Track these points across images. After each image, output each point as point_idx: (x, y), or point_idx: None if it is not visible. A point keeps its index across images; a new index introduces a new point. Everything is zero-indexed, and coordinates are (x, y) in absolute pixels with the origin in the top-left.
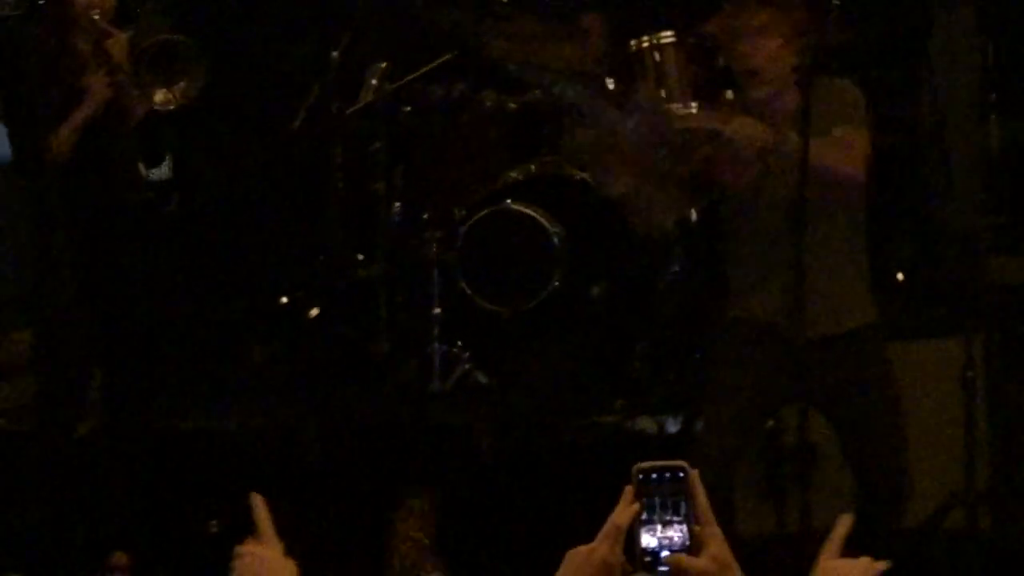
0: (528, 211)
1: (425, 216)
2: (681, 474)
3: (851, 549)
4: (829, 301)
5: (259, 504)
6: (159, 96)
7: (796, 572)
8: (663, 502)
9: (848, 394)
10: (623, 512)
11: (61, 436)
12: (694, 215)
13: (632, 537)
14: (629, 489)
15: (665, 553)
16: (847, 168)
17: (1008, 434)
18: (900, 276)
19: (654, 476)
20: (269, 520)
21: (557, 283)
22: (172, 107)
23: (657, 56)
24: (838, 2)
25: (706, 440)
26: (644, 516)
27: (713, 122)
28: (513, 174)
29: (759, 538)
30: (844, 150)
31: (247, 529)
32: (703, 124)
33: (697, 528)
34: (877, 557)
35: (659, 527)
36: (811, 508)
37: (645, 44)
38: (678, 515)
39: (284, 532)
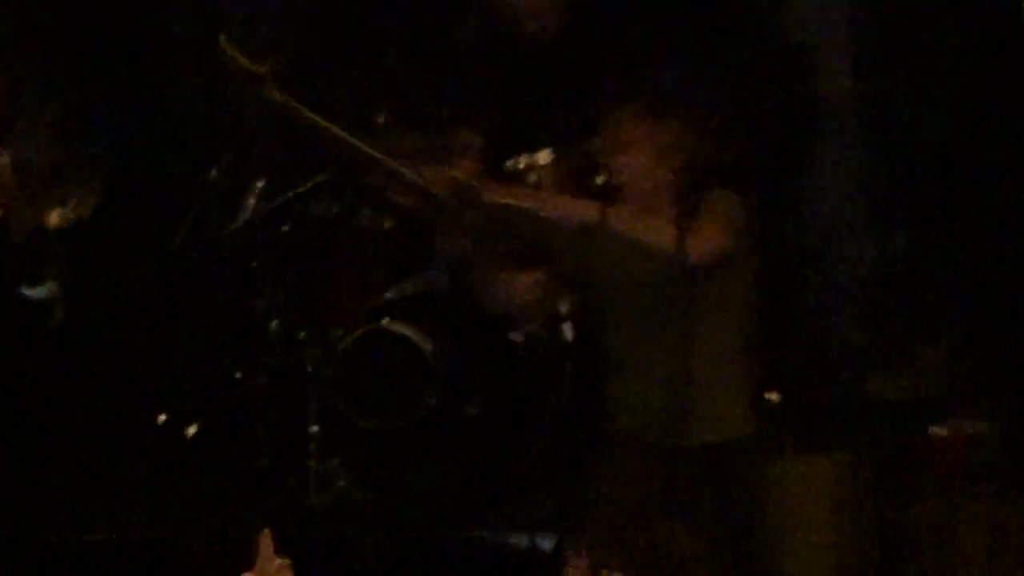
0: (403, 331)
1: (302, 334)
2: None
3: None
4: (708, 410)
5: (266, 538)
6: (54, 216)
7: None
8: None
9: (721, 511)
10: None
11: None
12: (570, 334)
13: None
14: None
15: None
16: (688, 249)
17: (884, 550)
18: (775, 396)
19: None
20: (269, 553)
21: (432, 401)
22: (66, 225)
23: (534, 177)
24: (718, 118)
25: (582, 557)
26: None
27: (530, 199)
28: (389, 294)
29: None
30: (688, 234)
31: None
32: (520, 202)
33: None
34: None
35: None
36: None
37: (522, 165)
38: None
39: None
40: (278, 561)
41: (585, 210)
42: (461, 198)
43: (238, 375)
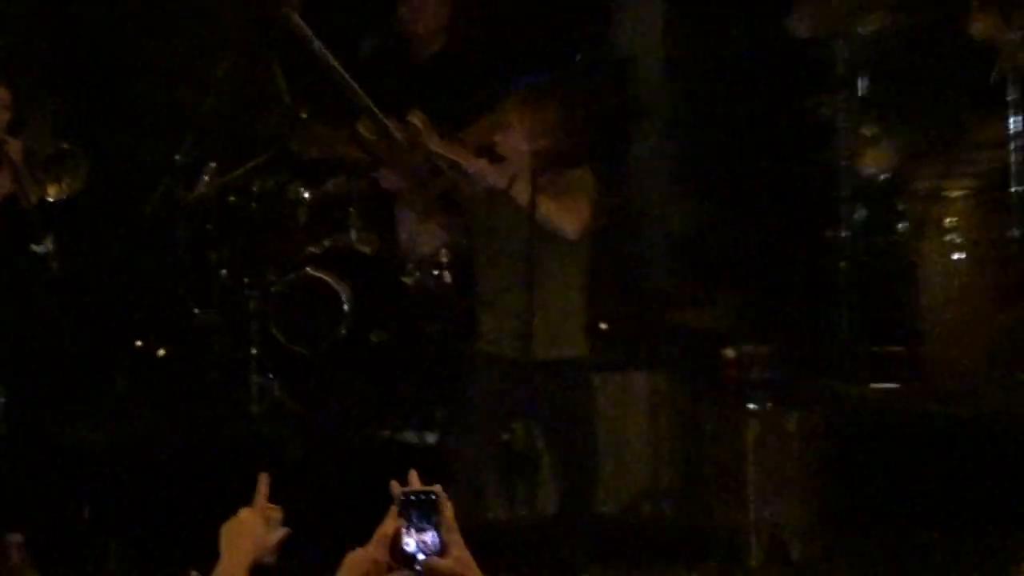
0: (322, 276)
1: (246, 279)
2: (434, 496)
3: (559, 528)
4: (550, 334)
5: (263, 480)
6: (52, 191)
7: (525, 548)
8: (419, 515)
9: (560, 414)
10: (389, 523)
11: None
12: (448, 278)
13: (396, 542)
14: (393, 507)
15: (421, 556)
16: (566, 224)
17: (687, 444)
18: (605, 325)
19: (412, 497)
20: (264, 495)
21: (344, 331)
22: (62, 198)
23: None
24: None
25: (458, 449)
26: (405, 527)
27: (460, 156)
28: (312, 248)
29: (499, 522)
30: (566, 211)
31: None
32: (451, 154)
33: (445, 535)
34: (579, 534)
35: (416, 534)
36: (536, 498)
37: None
38: (431, 525)
39: None
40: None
41: (496, 175)
42: (412, 142)
43: (196, 311)
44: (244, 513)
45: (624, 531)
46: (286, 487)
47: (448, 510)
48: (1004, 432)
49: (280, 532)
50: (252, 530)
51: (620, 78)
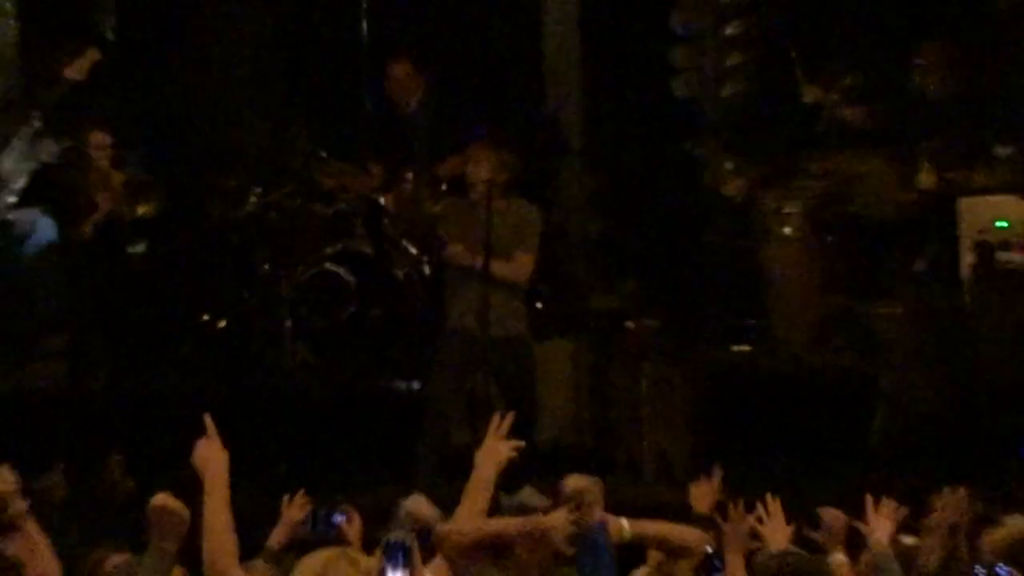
0: (336, 270)
1: (281, 272)
2: (407, 542)
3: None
4: (500, 315)
5: (208, 421)
6: (141, 209)
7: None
8: (396, 557)
9: (508, 371)
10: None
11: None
12: (428, 270)
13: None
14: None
15: None
16: (519, 278)
17: (599, 392)
18: (540, 305)
19: (392, 541)
20: (214, 429)
21: (352, 309)
22: (149, 215)
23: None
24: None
25: (434, 397)
26: (387, 566)
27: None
28: (329, 249)
29: (462, 446)
30: (518, 266)
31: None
32: (429, 209)
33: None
34: (522, 457)
35: (392, 571)
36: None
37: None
38: (406, 565)
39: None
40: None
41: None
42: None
43: (246, 295)
44: (206, 442)
45: (553, 455)
46: (310, 424)
47: (416, 554)
48: (823, 381)
49: None
50: (214, 455)
51: (553, 126)
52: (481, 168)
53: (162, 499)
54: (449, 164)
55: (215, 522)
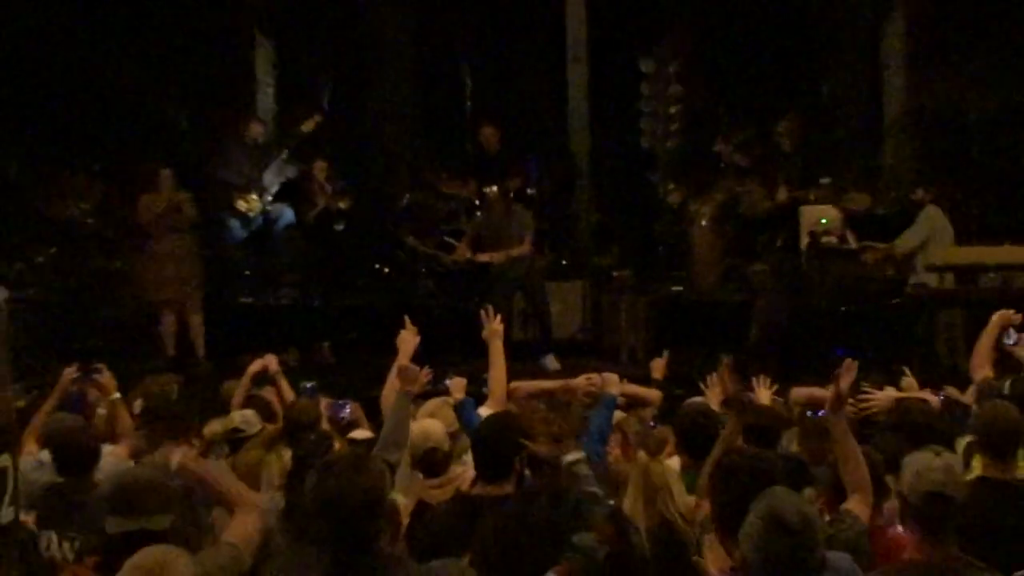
0: (449, 240)
1: (419, 240)
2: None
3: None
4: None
5: (407, 319)
6: (343, 203)
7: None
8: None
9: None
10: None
11: None
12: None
13: None
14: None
15: None
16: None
17: (596, 313)
18: (564, 261)
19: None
20: (410, 323)
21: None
22: (346, 208)
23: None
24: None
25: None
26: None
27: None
28: (444, 227)
29: (518, 341)
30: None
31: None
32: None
33: None
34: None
35: None
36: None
37: (494, 188)
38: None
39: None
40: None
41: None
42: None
43: (400, 254)
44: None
45: (567, 346)
46: (433, 323)
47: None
48: (723, 307)
49: None
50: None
51: (572, 159)
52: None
53: (403, 363)
54: (512, 183)
55: (394, 374)
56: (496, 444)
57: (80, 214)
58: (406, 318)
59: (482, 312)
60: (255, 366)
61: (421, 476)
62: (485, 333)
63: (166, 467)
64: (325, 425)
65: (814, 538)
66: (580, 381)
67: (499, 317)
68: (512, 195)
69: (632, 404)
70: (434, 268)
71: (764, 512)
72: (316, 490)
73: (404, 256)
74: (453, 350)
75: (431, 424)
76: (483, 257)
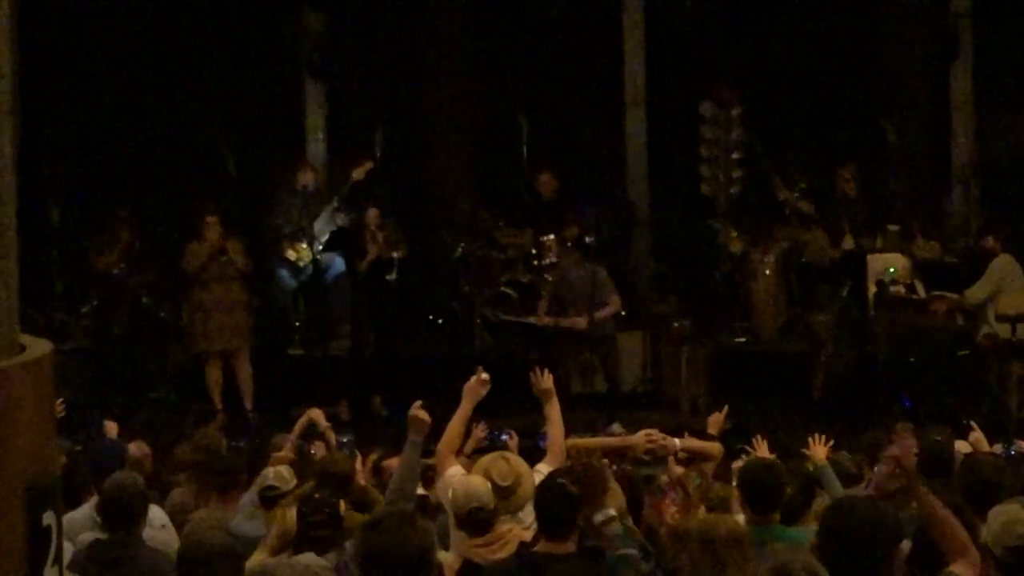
0: (507, 290)
1: (476, 291)
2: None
3: None
4: (599, 322)
5: (480, 368)
6: (396, 253)
7: None
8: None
9: (603, 351)
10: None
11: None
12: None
13: None
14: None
15: None
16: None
17: (657, 363)
18: (623, 312)
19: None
20: (483, 372)
21: (516, 315)
22: (399, 257)
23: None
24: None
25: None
26: None
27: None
28: (503, 278)
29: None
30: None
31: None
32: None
33: None
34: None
35: None
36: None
37: (552, 237)
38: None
39: None
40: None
41: None
42: None
43: (454, 304)
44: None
45: (629, 399)
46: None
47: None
48: (786, 358)
49: None
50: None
51: (630, 207)
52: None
53: (416, 410)
54: (569, 232)
55: (455, 425)
56: (557, 502)
57: (115, 262)
58: (480, 368)
59: (531, 374)
60: (302, 420)
61: (465, 535)
62: (537, 391)
63: (223, 524)
64: (361, 480)
65: None
66: (639, 438)
67: (548, 375)
68: (580, 249)
69: (693, 459)
70: (490, 320)
71: (772, 569)
72: (364, 545)
73: (459, 307)
74: (509, 403)
75: (475, 482)
76: (566, 323)
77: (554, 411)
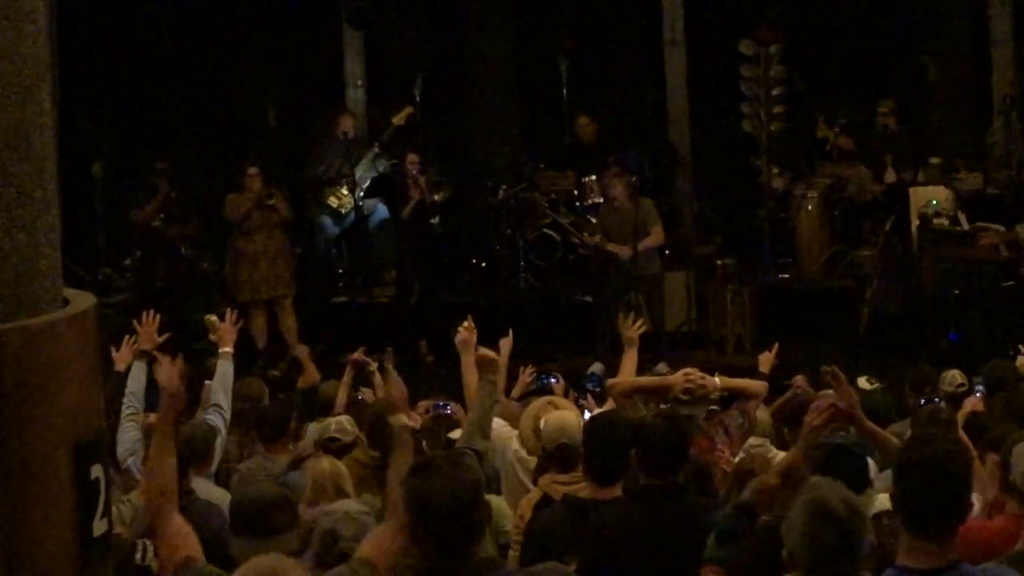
0: (549, 232)
1: (518, 234)
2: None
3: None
4: (643, 261)
5: (470, 319)
6: (438, 196)
7: None
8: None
9: (649, 291)
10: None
11: None
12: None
13: None
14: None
15: None
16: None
17: (702, 303)
18: (667, 252)
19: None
20: (471, 323)
21: (558, 255)
22: (441, 201)
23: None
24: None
25: (605, 306)
26: None
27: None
28: (544, 220)
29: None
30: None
31: None
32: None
33: None
34: (656, 341)
35: None
36: None
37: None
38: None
39: None
40: None
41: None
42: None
43: (497, 247)
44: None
45: (673, 338)
46: (535, 320)
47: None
48: (830, 294)
49: None
50: None
51: (673, 149)
52: (614, 186)
53: (481, 352)
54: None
55: (468, 377)
56: (604, 446)
57: (154, 214)
58: (468, 319)
59: (621, 317)
60: (351, 365)
61: (551, 470)
62: (624, 337)
63: (274, 475)
64: (414, 424)
65: (861, 527)
66: (677, 377)
67: (637, 324)
68: (634, 186)
69: (733, 397)
70: (533, 262)
71: (809, 503)
72: (413, 490)
73: (502, 250)
74: (554, 346)
75: (567, 417)
76: (613, 248)
77: (629, 362)
